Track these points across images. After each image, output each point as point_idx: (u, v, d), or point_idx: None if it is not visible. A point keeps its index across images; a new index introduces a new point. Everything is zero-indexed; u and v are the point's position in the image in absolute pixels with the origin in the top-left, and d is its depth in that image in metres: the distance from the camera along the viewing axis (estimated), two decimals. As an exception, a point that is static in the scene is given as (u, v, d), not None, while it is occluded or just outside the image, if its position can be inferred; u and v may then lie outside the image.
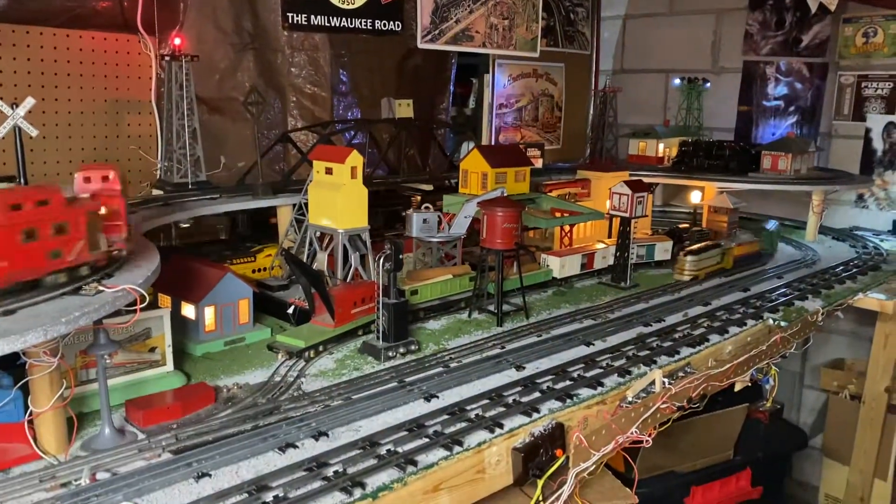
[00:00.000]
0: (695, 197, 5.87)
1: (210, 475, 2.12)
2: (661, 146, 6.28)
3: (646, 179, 4.86)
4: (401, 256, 3.08)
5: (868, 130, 6.42)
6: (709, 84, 7.15)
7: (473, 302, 3.82)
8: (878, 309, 4.89)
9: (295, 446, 2.30)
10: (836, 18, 6.40)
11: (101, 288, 2.11)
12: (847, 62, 6.49)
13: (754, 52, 6.97)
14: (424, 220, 4.18)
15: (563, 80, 7.10)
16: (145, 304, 2.17)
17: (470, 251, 4.34)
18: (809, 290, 4.34)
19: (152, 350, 2.79)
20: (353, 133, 5.15)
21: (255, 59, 4.98)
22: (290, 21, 4.00)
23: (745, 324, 3.73)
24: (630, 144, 6.55)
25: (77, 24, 4.26)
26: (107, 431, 2.30)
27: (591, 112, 7.41)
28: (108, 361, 2.49)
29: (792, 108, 6.85)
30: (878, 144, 6.37)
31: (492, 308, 3.76)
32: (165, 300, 3.23)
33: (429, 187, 5.11)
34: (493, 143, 6.46)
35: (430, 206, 4.40)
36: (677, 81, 7.25)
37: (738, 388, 3.60)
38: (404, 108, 5.00)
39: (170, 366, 2.83)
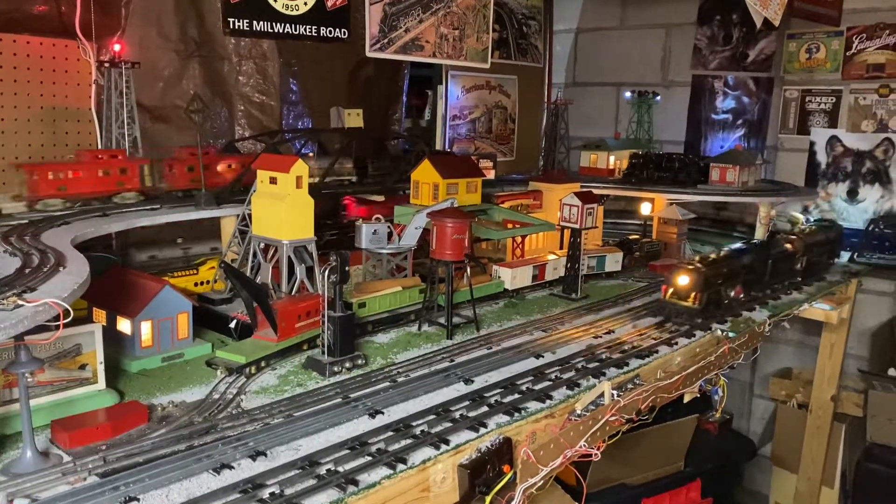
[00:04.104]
0: (645, 209, 5.92)
1: (138, 499, 2.01)
2: (611, 158, 6.32)
3: (596, 191, 4.85)
4: (347, 268, 3.00)
5: (812, 144, 6.56)
6: (659, 97, 7.24)
7: (423, 314, 3.76)
8: (824, 319, 4.99)
9: (231, 467, 2.21)
10: (781, 34, 6.55)
11: (20, 301, 1.99)
12: (791, 77, 6.64)
13: (703, 67, 7.10)
14: (374, 232, 4.11)
15: (516, 92, 7.12)
16: (70, 318, 2.05)
17: (421, 263, 4.28)
18: (757, 301, 4.38)
19: (83, 367, 2.66)
20: (302, 142, 5.07)
21: (201, 67, 4.88)
22: (231, 26, 3.90)
23: (694, 335, 3.74)
24: (582, 156, 6.57)
25: (11, 27, 4.09)
26: (28, 454, 2.16)
27: (544, 124, 7.44)
28: (30, 380, 2.36)
29: (739, 122, 6.98)
30: (822, 157, 6.52)
31: (442, 321, 3.70)
32: (100, 314, 3.10)
33: (380, 198, 5.04)
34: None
35: (381, 217, 4.33)
36: (628, 94, 7.33)
37: (687, 399, 3.61)
38: (354, 118, 4.92)
39: (101, 384, 2.70)
